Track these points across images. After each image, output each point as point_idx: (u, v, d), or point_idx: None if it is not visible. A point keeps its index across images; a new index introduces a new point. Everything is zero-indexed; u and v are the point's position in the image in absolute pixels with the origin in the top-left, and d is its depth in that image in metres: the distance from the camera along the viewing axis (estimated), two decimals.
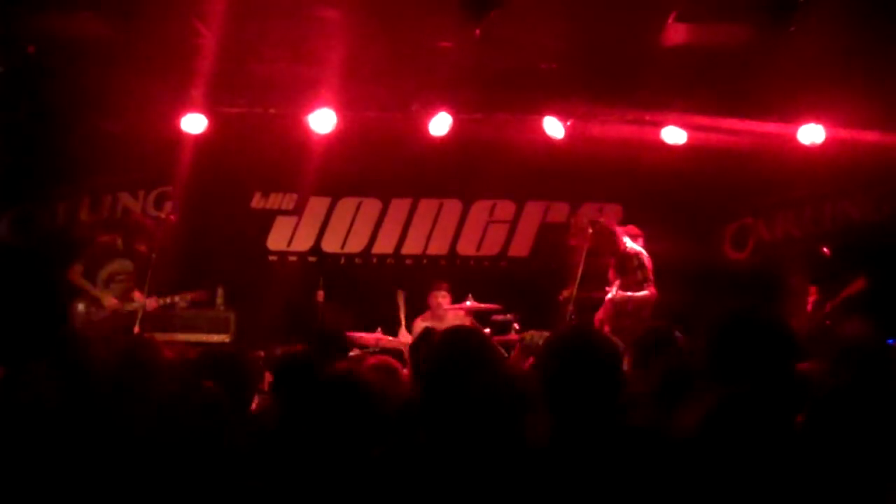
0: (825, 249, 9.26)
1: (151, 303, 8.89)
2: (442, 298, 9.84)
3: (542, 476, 3.09)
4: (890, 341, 6.67)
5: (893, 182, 10.36)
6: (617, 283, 8.79)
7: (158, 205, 10.90)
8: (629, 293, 8.64)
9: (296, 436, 3.23)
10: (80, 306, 8.86)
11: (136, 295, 8.93)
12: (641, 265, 8.70)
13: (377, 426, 3.27)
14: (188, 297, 9.17)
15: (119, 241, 9.01)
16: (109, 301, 8.83)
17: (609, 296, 8.72)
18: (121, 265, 8.95)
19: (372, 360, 5.35)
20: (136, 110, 9.97)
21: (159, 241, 8.94)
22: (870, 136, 9.55)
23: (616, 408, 3.35)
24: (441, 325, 9.22)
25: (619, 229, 8.95)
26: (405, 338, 9.55)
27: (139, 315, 8.76)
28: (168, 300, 9.05)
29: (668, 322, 6.02)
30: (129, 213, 9.85)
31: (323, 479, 3.09)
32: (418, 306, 10.04)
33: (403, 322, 9.78)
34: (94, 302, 8.84)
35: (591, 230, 8.94)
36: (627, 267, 8.74)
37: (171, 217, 9.33)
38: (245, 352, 5.14)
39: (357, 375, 3.42)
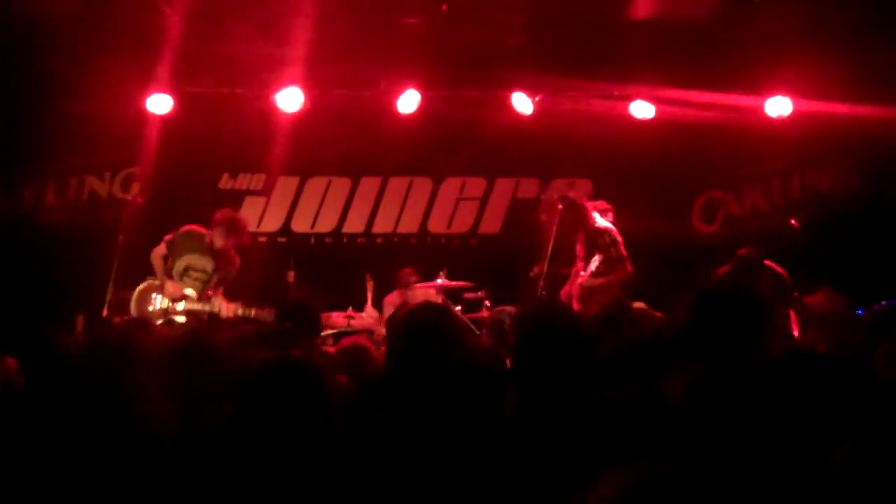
0: (793, 221, 9.29)
1: (230, 309, 8.12)
2: (411, 280, 9.84)
3: (508, 448, 3.09)
4: (859, 311, 6.71)
5: (860, 153, 10.42)
6: (590, 264, 8.71)
7: (125, 187, 10.81)
8: (599, 280, 8.56)
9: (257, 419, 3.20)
10: (144, 290, 8.31)
11: (219, 300, 8.23)
12: (614, 241, 8.63)
13: (328, 408, 3.25)
14: (264, 312, 7.95)
15: (210, 238, 8.26)
16: (170, 290, 8.25)
17: (580, 281, 8.67)
18: (200, 260, 8.29)
19: (344, 341, 5.35)
20: (101, 91, 9.85)
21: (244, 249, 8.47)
22: (836, 108, 9.59)
23: (584, 379, 3.37)
24: (412, 303, 9.21)
25: (588, 205, 8.88)
26: (371, 313, 9.56)
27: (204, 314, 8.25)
28: (250, 312, 8.10)
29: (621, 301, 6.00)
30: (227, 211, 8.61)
31: (286, 459, 3.07)
32: (390, 285, 10.03)
33: (370, 300, 9.74)
34: (161, 292, 8.28)
35: (560, 206, 8.91)
36: (599, 244, 8.66)
37: (139, 199, 9.20)
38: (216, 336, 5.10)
39: (303, 360, 3.39)
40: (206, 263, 8.31)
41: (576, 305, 8.48)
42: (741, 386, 2.89)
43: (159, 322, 8.12)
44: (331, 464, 3.08)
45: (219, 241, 8.21)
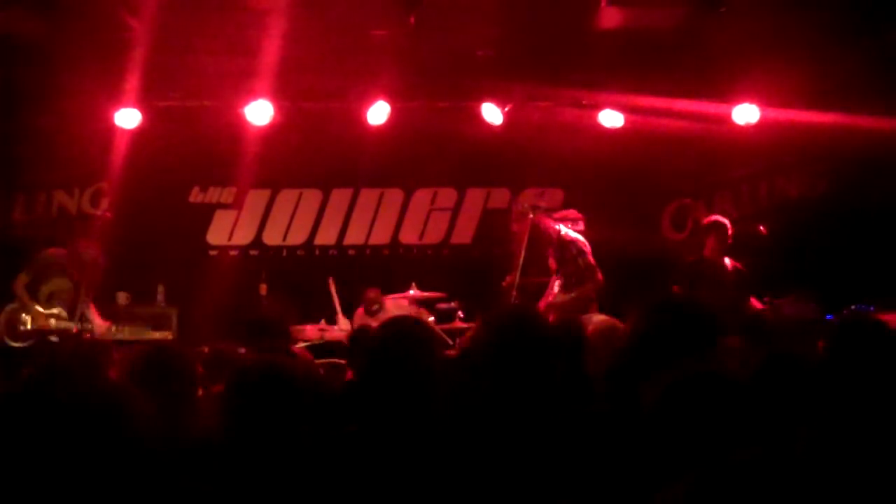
0: (762, 228, 9.36)
1: (103, 327, 8.74)
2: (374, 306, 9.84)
3: (479, 456, 3.09)
4: (829, 316, 6.78)
5: (828, 159, 10.53)
6: (558, 281, 8.68)
7: (94, 202, 10.74)
8: (570, 294, 8.56)
9: (235, 430, 3.18)
10: (10, 312, 8.68)
11: (94, 316, 8.77)
12: (581, 252, 8.61)
13: (305, 414, 3.23)
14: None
15: (65, 257, 8.77)
16: (41, 321, 8.66)
17: (549, 300, 8.64)
18: (63, 283, 8.72)
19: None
20: (69, 106, 9.80)
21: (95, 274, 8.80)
22: (803, 115, 9.69)
23: (554, 388, 3.37)
24: (382, 315, 9.25)
25: (548, 221, 8.80)
26: (344, 325, 9.54)
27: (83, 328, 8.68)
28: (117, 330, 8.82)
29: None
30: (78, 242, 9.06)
31: (264, 470, 3.05)
32: (359, 296, 10.01)
33: (339, 310, 9.72)
34: (29, 315, 8.66)
35: (531, 215, 8.94)
36: (566, 256, 8.67)
37: (108, 214, 9.18)
38: (186, 348, 5.09)
39: (278, 365, 3.37)
40: (67, 284, 8.70)
41: (551, 317, 8.49)
42: (708, 396, 2.91)
43: (29, 342, 8.56)
44: (308, 475, 3.07)
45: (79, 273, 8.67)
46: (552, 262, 8.78)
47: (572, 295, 8.47)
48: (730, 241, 8.61)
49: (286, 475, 3.04)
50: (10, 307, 8.68)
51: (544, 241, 8.67)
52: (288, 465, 3.05)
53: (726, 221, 8.70)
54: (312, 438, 3.14)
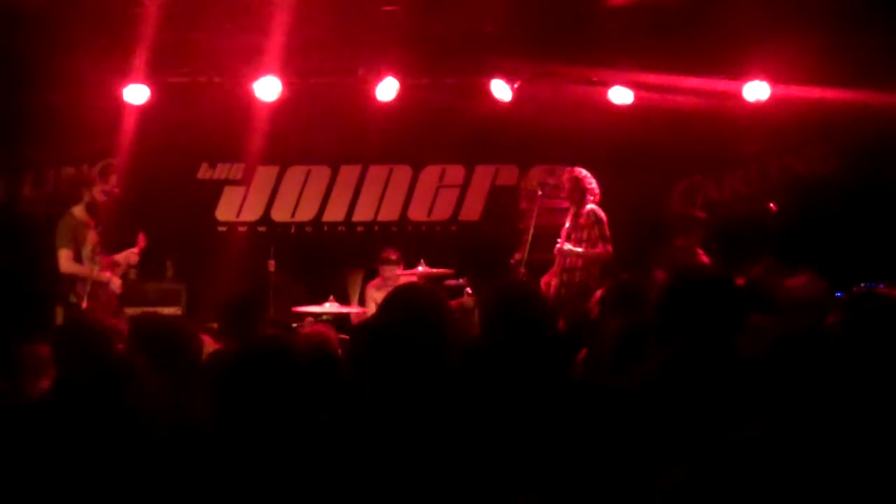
0: (772, 205, 9.35)
1: (134, 257, 8.97)
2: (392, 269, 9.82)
3: (484, 428, 3.09)
4: (838, 294, 6.75)
5: (838, 137, 10.48)
6: (572, 234, 8.77)
7: (103, 177, 10.72)
8: (580, 249, 8.65)
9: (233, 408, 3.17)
10: (82, 290, 8.54)
11: (116, 257, 8.85)
12: (599, 220, 8.71)
13: (311, 391, 3.22)
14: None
15: (84, 213, 8.67)
16: (112, 279, 8.69)
17: (557, 246, 8.73)
18: (92, 235, 8.62)
19: (306, 329, 5.36)
20: (77, 82, 9.79)
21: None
22: (814, 92, 9.65)
23: (552, 361, 3.37)
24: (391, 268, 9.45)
25: (592, 186, 8.96)
26: (354, 307, 9.56)
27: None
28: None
29: (636, 277, 6.09)
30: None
31: (267, 449, 3.05)
32: (371, 273, 10.03)
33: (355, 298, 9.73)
34: (96, 284, 8.57)
35: (540, 192, 8.98)
36: (582, 223, 8.75)
37: (116, 190, 9.17)
38: (184, 321, 5.12)
39: (283, 341, 3.35)
40: (94, 234, 8.62)
41: (555, 281, 8.56)
42: (714, 371, 2.90)
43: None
44: (319, 449, 3.06)
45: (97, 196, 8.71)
46: (565, 229, 8.79)
47: (578, 251, 8.58)
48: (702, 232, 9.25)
49: (269, 452, 3.03)
50: (80, 291, 8.53)
51: (574, 200, 8.72)
52: (272, 441, 3.04)
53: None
54: (300, 416, 3.13)
